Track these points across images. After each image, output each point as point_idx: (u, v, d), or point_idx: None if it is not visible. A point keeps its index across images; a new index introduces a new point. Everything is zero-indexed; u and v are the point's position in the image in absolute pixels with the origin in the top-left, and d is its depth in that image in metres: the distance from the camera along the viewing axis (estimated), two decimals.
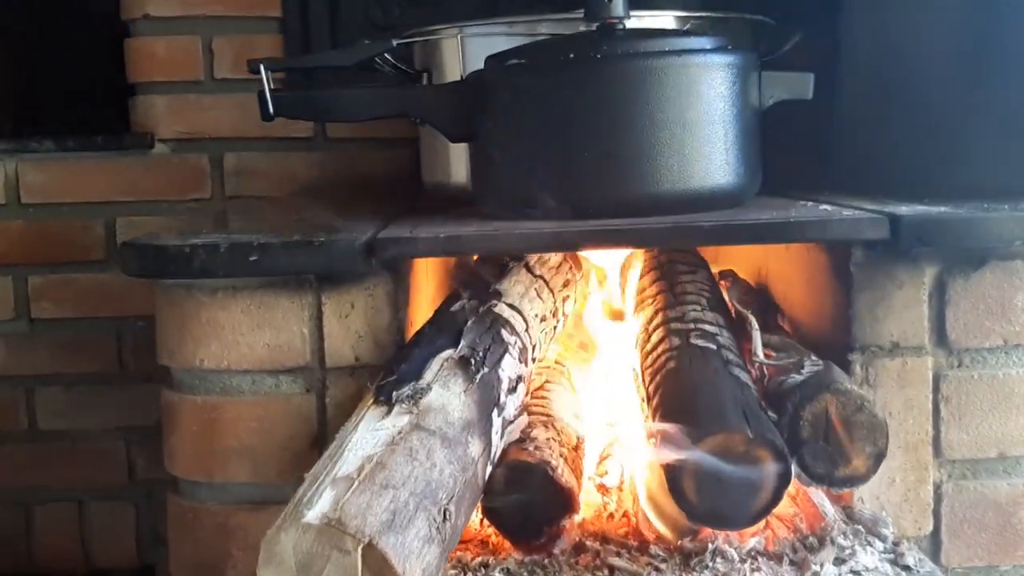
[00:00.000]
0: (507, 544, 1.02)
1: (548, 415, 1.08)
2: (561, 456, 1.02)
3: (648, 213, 1.08)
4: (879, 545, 1.03)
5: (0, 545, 2.13)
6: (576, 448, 1.07)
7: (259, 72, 1.17)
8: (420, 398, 0.90)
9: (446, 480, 0.85)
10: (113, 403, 2.06)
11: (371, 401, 0.92)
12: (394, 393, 0.90)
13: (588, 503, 1.09)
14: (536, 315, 1.12)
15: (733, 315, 1.15)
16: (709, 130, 1.09)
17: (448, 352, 0.98)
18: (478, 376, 0.96)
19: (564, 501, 1.00)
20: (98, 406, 2.07)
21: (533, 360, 1.10)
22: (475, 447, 0.91)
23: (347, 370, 1.06)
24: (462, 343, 0.99)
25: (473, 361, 0.97)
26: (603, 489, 1.12)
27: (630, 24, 1.13)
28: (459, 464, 0.88)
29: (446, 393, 0.92)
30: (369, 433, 0.87)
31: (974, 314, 1.06)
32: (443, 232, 1.03)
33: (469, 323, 1.02)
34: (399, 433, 0.86)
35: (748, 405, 0.95)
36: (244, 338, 1.06)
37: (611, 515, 1.09)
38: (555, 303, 1.19)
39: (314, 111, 1.17)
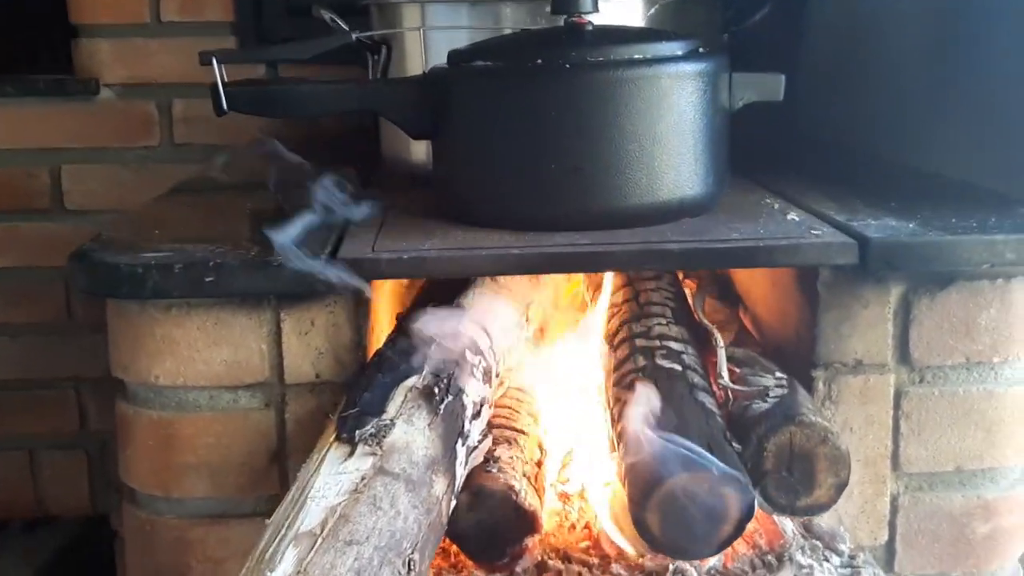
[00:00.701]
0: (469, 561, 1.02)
1: (511, 428, 1.08)
2: (524, 476, 1.02)
3: (615, 226, 1.07)
4: (835, 560, 1.05)
5: None
6: (539, 463, 1.07)
7: (211, 64, 1.12)
8: (384, 436, 0.89)
9: (410, 527, 0.85)
10: (63, 353, 2.03)
11: (333, 437, 0.90)
12: (357, 432, 0.89)
13: (549, 512, 1.09)
14: (501, 328, 1.11)
15: (697, 319, 1.14)
16: (679, 141, 1.06)
17: (412, 380, 0.96)
18: (442, 406, 0.94)
19: (527, 523, 1.00)
20: (48, 356, 2.04)
21: (497, 375, 1.09)
22: (439, 485, 0.90)
23: (307, 386, 1.05)
24: (425, 369, 0.97)
25: (437, 390, 0.95)
26: (564, 497, 1.12)
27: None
28: (423, 507, 0.87)
29: (410, 429, 0.91)
30: (332, 477, 0.86)
31: (938, 332, 1.06)
32: (406, 253, 1.00)
33: (433, 347, 0.99)
34: (362, 480, 0.85)
35: (713, 437, 0.95)
36: (200, 355, 1.03)
37: (572, 526, 1.09)
38: (521, 312, 1.17)
39: (270, 106, 1.13)
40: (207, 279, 0.98)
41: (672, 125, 1.06)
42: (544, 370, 1.19)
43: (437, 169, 1.14)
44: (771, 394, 0.99)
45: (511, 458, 1.03)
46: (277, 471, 1.06)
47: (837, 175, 1.38)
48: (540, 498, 1.03)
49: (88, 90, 1.93)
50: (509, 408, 1.11)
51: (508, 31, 1.31)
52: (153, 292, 0.98)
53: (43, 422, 2.08)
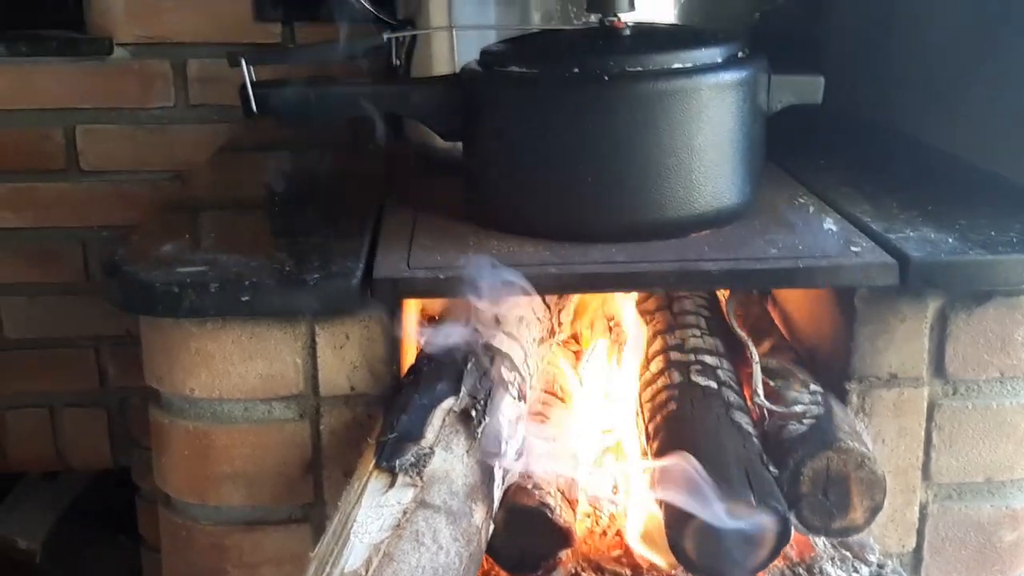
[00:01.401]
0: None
1: (544, 439, 1.08)
2: (558, 490, 1.03)
3: (651, 237, 1.06)
4: (864, 571, 1.06)
5: None
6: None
7: (240, 65, 1.10)
8: (424, 466, 0.89)
9: (452, 561, 0.85)
10: (82, 313, 2.04)
11: (372, 464, 0.90)
12: (397, 462, 0.89)
13: (580, 517, 1.10)
14: (534, 339, 1.10)
15: (731, 328, 1.13)
16: (717, 152, 1.05)
17: (449, 402, 0.96)
18: (480, 430, 0.94)
19: (561, 538, 1.01)
20: (66, 316, 2.04)
21: (531, 388, 1.09)
22: (479, 514, 0.91)
23: (342, 399, 1.05)
24: (462, 391, 0.97)
25: (475, 413, 0.95)
26: (595, 501, 1.13)
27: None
28: (464, 539, 0.88)
29: (449, 457, 0.91)
30: (374, 511, 0.86)
31: (973, 348, 1.06)
32: (441, 271, 0.99)
33: (469, 366, 0.99)
34: (404, 514, 0.85)
35: (750, 462, 0.95)
36: (235, 368, 1.03)
37: (604, 532, 1.10)
38: (552, 319, 1.17)
39: (300, 108, 1.11)
40: (243, 298, 0.98)
41: (711, 136, 1.04)
42: (576, 373, 1.19)
43: (468, 171, 1.12)
44: (807, 414, 0.99)
45: (544, 471, 1.03)
46: (312, 480, 1.06)
47: (866, 162, 1.36)
48: (573, 510, 1.04)
49: (101, 50, 1.89)
50: (542, 415, 1.11)
51: (537, 19, 1.28)
52: (189, 311, 0.98)
53: (63, 380, 2.09)
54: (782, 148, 1.28)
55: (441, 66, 1.33)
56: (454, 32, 1.34)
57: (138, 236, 1.12)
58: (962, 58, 1.39)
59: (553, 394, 1.15)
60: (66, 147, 1.95)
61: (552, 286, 1.00)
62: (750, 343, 1.07)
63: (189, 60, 1.93)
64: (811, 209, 1.16)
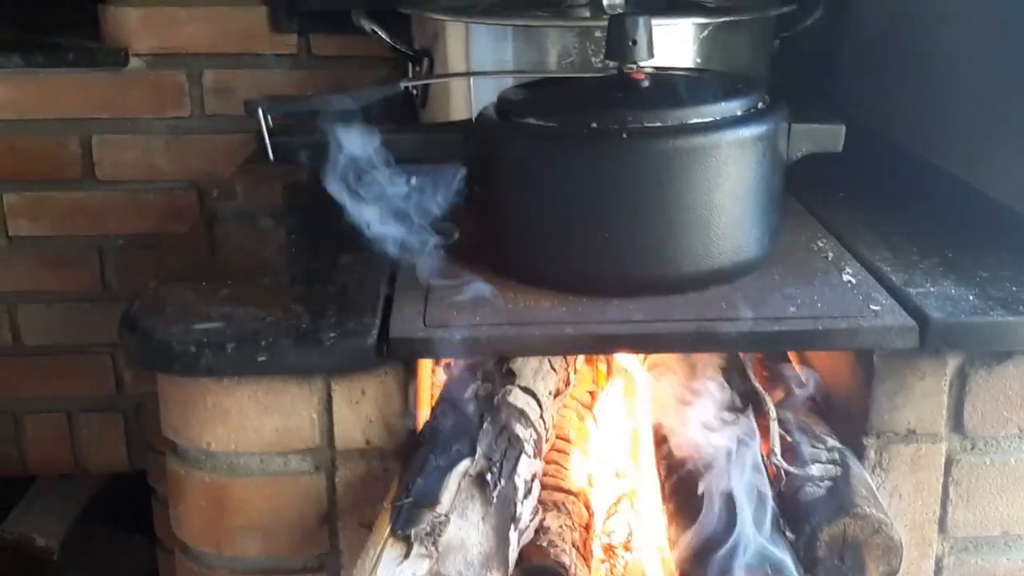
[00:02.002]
0: None
1: (559, 489, 1.08)
2: (573, 545, 1.03)
3: (667, 292, 1.05)
4: None
5: None
6: (587, 526, 1.07)
7: (256, 115, 1.09)
8: (439, 535, 0.89)
9: None
10: (97, 320, 2.04)
11: (388, 531, 0.91)
12: (413, 530, 0.89)
13: (596, 567, 1.10)
14: (550, 392, 1.10)
15: (749, 380, 1.13)
16: (736, 207, 1.04)
17: (465, 464, 0.96)
18: (495, 494, 0.94)
19: None
20: (82, 323, 2.05)
21: (547, 442, 1.09)
22: None
23: (357, 452, 1.05)
24: (478, 453, 0.97)
25: (490, 476, 0.95)
26: (610, 551, 1.13)
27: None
28: None
29: (465, 524, 0.91)
30: None
31: (993, 404, 1.05)
32: (458, 331, 0.99)
33: (485, 425, 0.99)
34: None
35: (767, 529, 0.95)
36: (251, 422, 1.03)
37: None
38: (567, 369, 1.16)
39: (319, 158, 1.10)
40: (259, 358, 0.97)
41: (730, 191, 1.03)
42: (591, 419, 1.19)
43: (484, 217, 1.11)
44: (825, 476, 0.99)
45: (560, 528, 1.03)
46: (327, 531, 1.07)
47: (885, 195, 1.35)
48: (588, 564, 1.04)
49: (117, 60, 1.89)
50: (556, 464, 1.11)
51: (555, 56, 1.27)
52: (206, 371, 0.98)
53: (79, 386, 2.11)
54: (800, 171, 1.26)
55: (458, 99, 1.33)
56: (471, 63, 1.33)
57: (155, 283, 1.11)
58: (986, 88, 1.37)
59: (567, 439, 1.15)
60: (82, 156, 1.95)
61: (568, 347, 0.99)
62: (767, 398, 1.06)
63: (205, 70, 1.92)
64: (830, 256, 1.15)
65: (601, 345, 1.00)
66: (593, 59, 1.25)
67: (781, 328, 0.99)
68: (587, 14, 1.40)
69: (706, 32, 1.28)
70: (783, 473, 1.01)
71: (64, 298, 2.04)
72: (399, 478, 0.98)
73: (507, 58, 1.28)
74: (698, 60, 1.29)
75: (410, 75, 1.38)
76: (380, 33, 1.34)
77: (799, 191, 1.30)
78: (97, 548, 2.17)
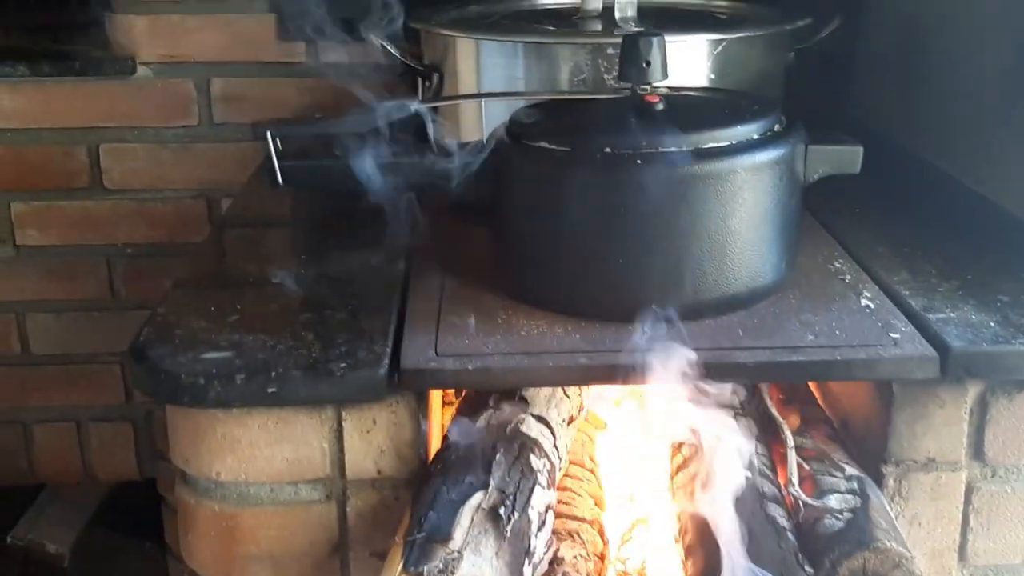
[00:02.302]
0: None
1: (573, 517, 1.06)
2: None
3: (683, 318, 1.03)
4: None
5: (1, 459, 2.14)
6: (602, 556, 1.06)
7: (265, 138, 1.07)
8: (453, 572, 0.88)
9: None
10: (106, 329, 2.03)
11: (400, 567, 0.89)
12: (425, 568, 0.88)
13: None
14: (563, 419, 1.09)
15: (765, 407, 1.11)
16: (752, 233, 1.02)
17: (478, 498, 0.94)
18: (508, 527, 0.93)
19: None
20: (91, 332, 2.04)
21: (560, 470, 1.07)
22: None
23: (368, 482, 1.04)
24: (491, 485, 0.96)
25: (504, 510, 0.94)
26: None
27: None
28: None
29: (478, 561, 0.90)
30: None
31: (1014, 432, 1.04)
32: (470, 361, 0.97)
33: (497, 456, 0.98)
34: None
35: (785, 562, 0.93)
36: (261, 452, 1.02)
37: None
38: (581, 395, 1.15)
39: (327, 181, 1.09)
40: (269, 389, 0.96)
41: (746, 216, 1.01)
42: (604, 443, 1.17)
43: (496, 241, 1.10)
44: (845, 508, 0.97)
45: (574, 558, 1.02)
46: (339, 560, 1.05)
47: (902, 210, 1.33)
48: None
49: (124, 69, 1.87)
50: (570, 491, 1.10)
51: (567, 73, 1.25)
52: (215, 402, 0.97)
53: (89, 395, 2.10)
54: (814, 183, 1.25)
55: (468, 114, 1.31)
56: (481, 80, 1.31)
57: (164, 310, 1.10)
58: (1004, 98, 1.35)
59: (580, 464, 1.13)
60: (90, 166, 1.94)
61: (582, 378, 0.98)
62: (785, 426, 1.05)
63: (213, 78, 1.90)
64: (847, 278, 1.14)
65: (615, 376, 0.98)
66: (606, 76, 1.23)
67: (799, 358, 0.97)
68: (599, 27, 1.39)
69: (720, 47, 1.26)
70: (801, 504, 0.99)
71: (73, 307, 2.03)
72: (411, 510, 0.96)
73: (518, 75, 1.26)
74: (712, 76, 1.27)
75: (419, 90, 1.36)
76: (389, 48, 1.32)
77: (813, 205, 1.28)
78: (108, 555, 2.17)
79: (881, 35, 1.66)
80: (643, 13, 1.40)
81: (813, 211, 1.29)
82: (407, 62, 1.33)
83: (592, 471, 1.14)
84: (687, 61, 1.26)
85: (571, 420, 1.11)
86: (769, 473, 1.04)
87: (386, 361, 0.98)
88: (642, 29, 1.06)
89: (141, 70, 1.89)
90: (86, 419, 2.11)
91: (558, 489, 1.10)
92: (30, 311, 2.03)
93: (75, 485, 2.22)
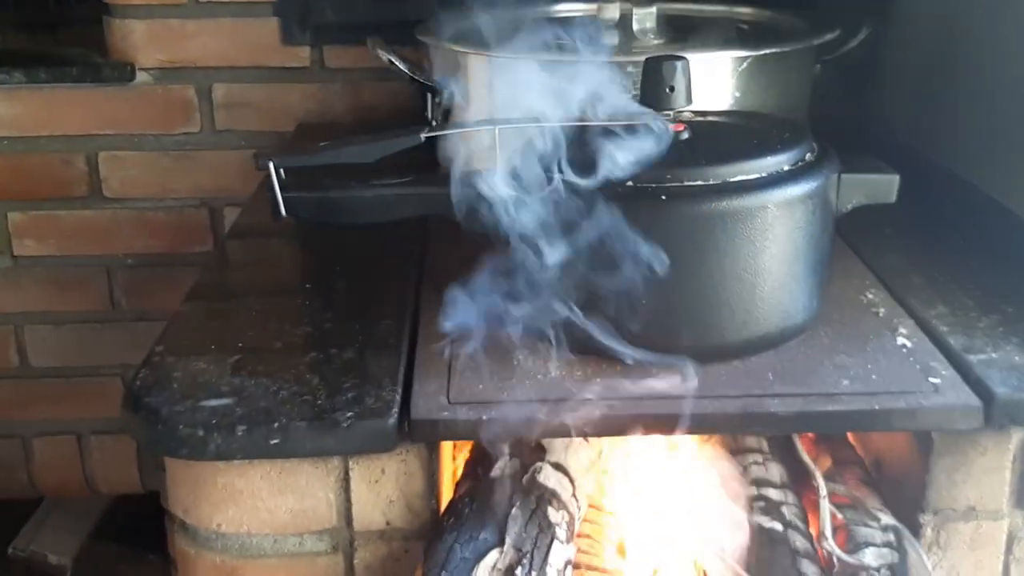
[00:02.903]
0: None
1: (592, 568, 1.01)
2: None
3: (709, 360, 0.98)
4: None
5: (1, 472, 2.10)
6: None
7: (267, 170, 1.02)
8: None
9: None
10: (107, 340, 1.99)
11: None
12: None
13: None
14: (583, 466, 1.03)
15: (796, 454, 1.06)
16: (784, 270, 0.96)
17: (493, 556, 0.90)
18: None
19: None
20: (91, 343, 1.99)
21: (581, 520, 1.02)
22: None
23: (377, 533, 0.98)
24: (507, 543, 0.90)
25: (520, 570, 0.89)
26: None
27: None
28: None
29: None
30: None
31: None
32: (485, 411, 0.92)
33: (513, 510, 0.92)
34: None
35: None
36: (264, 503, 0.97)
37: None
38: (601, 440, 1.09)
39: (332, 213, 1.03)
40: (272, 441, 0.91)
41: (777, 253, 0.95)
42: (625, 483, 1.11)
43: (512, 276, 1.04)
44: (882, 564, 0.92)
45: None
46: None
47: (933, 231, 1.27)
48: None
49: (123, 75, 1.82)
50: (589, 538, 1.04)
51: (585, 91, 1.19)
52: (215, 455, 0.91)
53: (89, 408, 2.05)
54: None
55: (481, 136, 1.24)
56: (495, 101, 1.25)
57: (163, 347, 1.04)
58: None
59: (600, 509, 1.08)
60: (89, 174, 1.89)
61: (603, 430, 0.92)
62: (818, 474, 0.99)
63: (214, 84, 1.85)
64: (881, 312, 1.08)
65: (638, 425, 0.92)
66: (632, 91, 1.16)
67: (835, 408, 0.91)
68: (616, 39, 1.32)
69: (745, 64, 1.19)
70: (835, 560, 0.94)
71: (72, 319, 1.98)
72: (421, 569, 0.91)
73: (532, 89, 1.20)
74: (737, 94, 1.21)
75: (429, 106, 1.30)
76: (396, 63, 1.26)
77: (840, 225, 1.21)
78: (110, 567, 2.13)
79: (910, 42, 1.60)
80: (662, 23, 1.33)
81: (840, 231, 1.23)
82: (415, 77, 1.27)
83: (612, 514, 1.08)
84: (711, 78, 1.20)
85: (591, 466, 1.05)
86: (800, 525, 0.98)
87: (395, 410, 0.93)
88: (665, 54, 1.00)
89: (141, 76, 1.83)
90: (87, 432, 2.07)
91: (577, 536, 1.04)
92: (28, 323, 1.98)
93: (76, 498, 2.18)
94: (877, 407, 0.91)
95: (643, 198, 0.93)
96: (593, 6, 1.40)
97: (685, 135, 0.98)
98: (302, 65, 1.84)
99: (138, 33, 1.81)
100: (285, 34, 1.81)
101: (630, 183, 0.94)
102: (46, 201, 1.90)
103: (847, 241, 1.25)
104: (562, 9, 1.49)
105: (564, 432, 0.92)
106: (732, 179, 0.94)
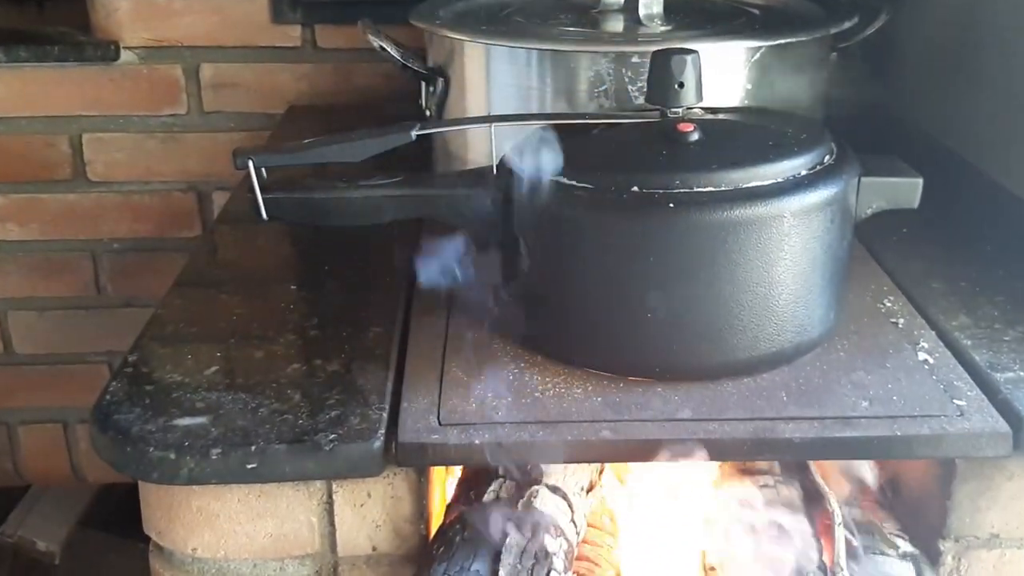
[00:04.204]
0: None
1: None
2: None
3: (719, 377, 0.92)
4: None
5: None
6: None
7: (246, 168, 0.95)
8: None
9: None
10: (92, 327, 1.93)
11: None
12: None
13: None
14: (582, 488, 0.97)
15: (810, 477, 1.00)
16: (799, 282, 0.90)
17: None
18: None
19: None
20: (76, 330, 1.93)
21: (578, 545, 0.96)
22: None
23: (363, 558, 0.93)
24: (501, 575, 0.84)
25: None
26: None
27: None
28: None
29: None
30: None
31: None
32: (476, 435, 0.85)
33: (508, 539, 0.86)
34: None
35: None
36: (242, 528, 0.91)
37: None
38: None
39: (316, 215, 0.96)
40: (249, 465, 0.84)
41: (792, 265, 0.89)
42: (626, 501, 1.06)
43: (508, 284, 0.98)
44: None
45: None
46: None
47: (952, 230, 1.20)
48: None
49: (107, 54, 1.75)
50: (588, 561, 0.99)
51: (585, 85, 1.12)
52: (188, 480, 0.85)
53: (75, 396, 2.00)
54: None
55: (476, 129, 1.17)
56: (491, 87, 1.18)
57: (136, 357, 0.98)
58: None
59: (600, 528, 1.02)
60: (72, 156, 1.82)
61: (604, 455, 0.86)
62: (831, 497, 0.93)
63: (202, 64, 1.78)
64: (900, 322, 1.01)
65: (643, 452, 0.86)
66: (630, 87, 1.10)
67: (852, 434, 0.85)
68: (620, 25, 1.25)
69: (759, 53, 1.12)
70: None
71: (57, 305, 1.93)
72: None
73: (532, 84, 1.13)
74: (748, 85, 1.14)
75: (423, 96, 1.23)
76: (388, 49, 1.19)
77: (856, 225, 1.15)
78: (99, 553, 2.09)
79: (930, 27, 1.52)
80: (669, 8, 1.26)
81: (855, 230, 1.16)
82: (408, 64, 1.20)
83: (613, 534, 1.02)
84: (722, 69, 1.13)
85: (591, 487, 0.99)
86: (814, 553, 0.92)
87: (381, 431, 0.86)
88: (673, 47, 0.92)
89: (125, 55, 1.76)
90: (73, 420, 2.01)
91: (577, 559, 0.98)
92: (12, 309, 1.92)
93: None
94: (899, 433, 0.85)
95: (650, 205, 0.87)
96: None
97: (695, 136, 0.91)
98: (293, 45, 1.77)
99: (123, 10, 1.74)
100: (275, 12, 1.74)
101: (635, 188, 0.87)
102: (29, 184, 1.84)
103: (861, 240, 1.18)
104: None
105: (562, 457, 0.86)
106: (745, 185, 0.88)
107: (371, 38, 1.21)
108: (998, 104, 1.34)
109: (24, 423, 2.02)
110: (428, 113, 1.24)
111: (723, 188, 0.87)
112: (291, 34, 1.76)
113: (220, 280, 1.17)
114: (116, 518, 2.08)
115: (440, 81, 1.20)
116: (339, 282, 1.13)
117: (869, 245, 1.18)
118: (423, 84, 1.23)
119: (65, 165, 1.83)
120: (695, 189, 0.87)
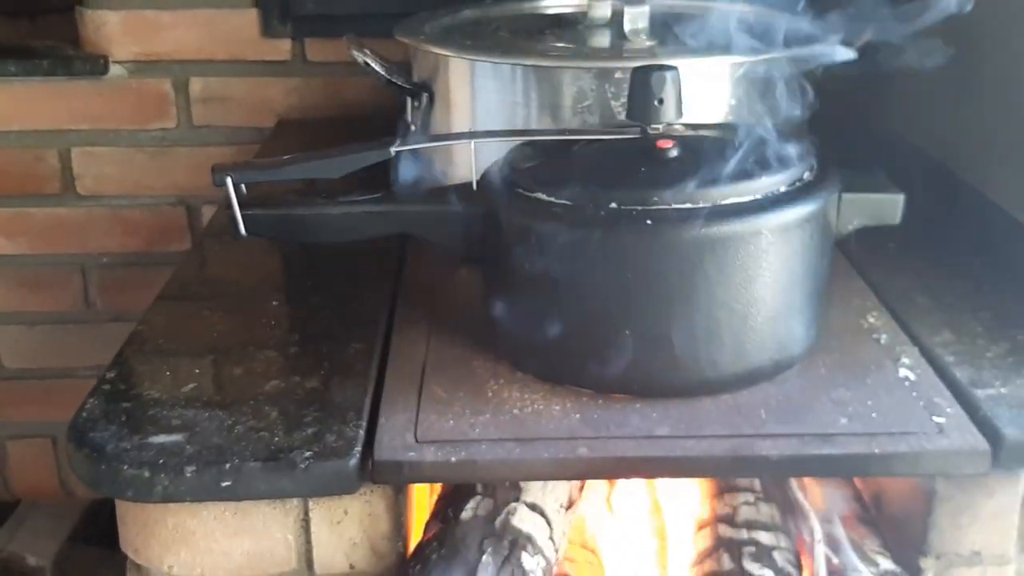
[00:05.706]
0: None
1: None
2: None
3: (698, 394, 0.91)
4: None
5: None
6: None
7: (224, 184, 0.95)
8: None
9: None
10: (81, 341, 1.92)
11: None
12: None
13: None
14: (561, 505, 0.96)
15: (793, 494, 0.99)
16: (779, 299, 0.90)
17: None
18: None
19: None
20: (65, 345, 1.93)
21: (557, 563, 0.95)
22: None
23: None
24: None
25: None
26: None
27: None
28: None
29: None
30: None
31: None
32: (454, 453, 0.85)
33: (484, 557, 0.86)
34: None
35: None
36: (218, 545, 0.90)
37: None
38: None
39: (296, 232, 0.96)
40: (223, 483, 0.84)
41: (772, 282, 0.89)
42: (610, 523, 1.05)
43: (489, 299, 0.97)
44: None
45: None
46: None
47: (940, 247, 1.20)
48: None
49: (96, 68, 1.74)
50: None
51: (570, 100, 1.12)
52: (162, 497, 0.85)
53: (65, 411, 1.95)
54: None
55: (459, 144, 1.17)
56: (476, 102, 1.18)
57: (114, 374, 0.98)
58: None
59: (581, 546, 1.01)
60: (61, 170, 1.82)
61: (582, 472, 0.86)
62: (812, 516, 0.93)
63: (192, 78, 1.78)
64: (883, 339, 1.01)
65: (620, 470, 0.86)
66: (613, 103, 1.10)
67: (831, 451, 0.85)
68: (607, 41, 1.25)
69: (743, 69, 1.12)
70: None
71: (46, 319, 1.92)
72: None
73: (517, 99, 1.13)
74: (732, 101, 1.14)
75: (408, 110, 1.23)
76: (372, 65, 1.19)
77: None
78: (89, 568, 2.08)
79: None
80: (655, 23, 1.26)
81: (838, 244, 1.16)
82: (393, 80, 1.20)
83: (594, 552, 1.02)
84: (705, 84, 1.13)
85: (570, 504, 0.99)
86: (793, 571, 0.91)
87: (358, 449, 0.86)
88: (653, 63, 0.92)
89: (114, 69, 1.76)
90: (62, 435, 1.98)
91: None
92: (1, 323, 1.92)
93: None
94: (877, 451, 0.84)
95: (627, 222, 0.86)
96: (584, 2, 1.33)
97: (674, 152, 0.91)
98: (282, 59, 1.78)
99: (112, 24, 1.74)
100: (265, 26, 1.74)
101: (613, 205, 0.87)
102: (17, 198, 1.84)
103: (846, 255, 1.17)
104: (551, 4, 1.42)
105: (539, 475, 0.85)
106: (723, 202, 0.87)
107: (355, 53, 1.20)
108: (987, 118, 1.33)
109: (13, 438, 2.01)
110: (413, 128, 1.23)
111: (701, 205, 0.87)
112: (281, 48, 1.76)
113: (203, 295, 1.17)
114: (106, 533, 2.06)
115: (425, 96, 1.20)
116: (323, 297, 1.13)
117: (854, 260, 1.18)
118: (408, 99, 1.23)
119: (54, 179, 1.83)
120: (673, 206, 0.87)
